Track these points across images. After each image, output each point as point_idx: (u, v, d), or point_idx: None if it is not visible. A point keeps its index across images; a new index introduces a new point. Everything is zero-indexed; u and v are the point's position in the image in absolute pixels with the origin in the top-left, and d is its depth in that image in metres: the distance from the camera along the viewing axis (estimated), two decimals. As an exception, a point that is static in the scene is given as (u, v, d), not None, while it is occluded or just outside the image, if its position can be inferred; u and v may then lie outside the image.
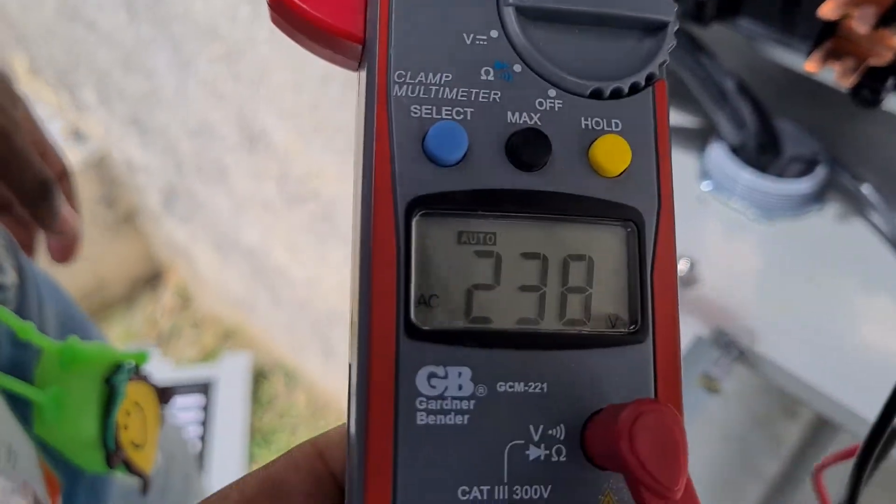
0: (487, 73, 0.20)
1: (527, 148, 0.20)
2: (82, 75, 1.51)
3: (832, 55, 0.51)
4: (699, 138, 0.64)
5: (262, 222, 1.38)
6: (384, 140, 0.19)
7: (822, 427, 0.74)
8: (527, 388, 0.19)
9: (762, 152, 0.60)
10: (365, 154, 0.20)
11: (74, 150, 1.63)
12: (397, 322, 0.19)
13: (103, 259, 1.75)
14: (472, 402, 0.19)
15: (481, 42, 0.20)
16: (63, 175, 0.48)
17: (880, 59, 0.49)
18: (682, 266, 0.54)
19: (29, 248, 0.48)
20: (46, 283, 0.46)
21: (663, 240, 0.20)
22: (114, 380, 0.39)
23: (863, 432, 0.51)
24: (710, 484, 0.88)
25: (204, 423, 1.60)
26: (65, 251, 0.47)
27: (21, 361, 0.40)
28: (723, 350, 0.50)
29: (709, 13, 0.55)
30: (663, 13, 0.21)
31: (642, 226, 0.20)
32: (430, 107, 0.20)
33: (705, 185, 0.61)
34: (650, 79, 0.21)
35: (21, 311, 0.42)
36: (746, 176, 0.59)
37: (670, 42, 0.21)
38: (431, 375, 0.19)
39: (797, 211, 0.60)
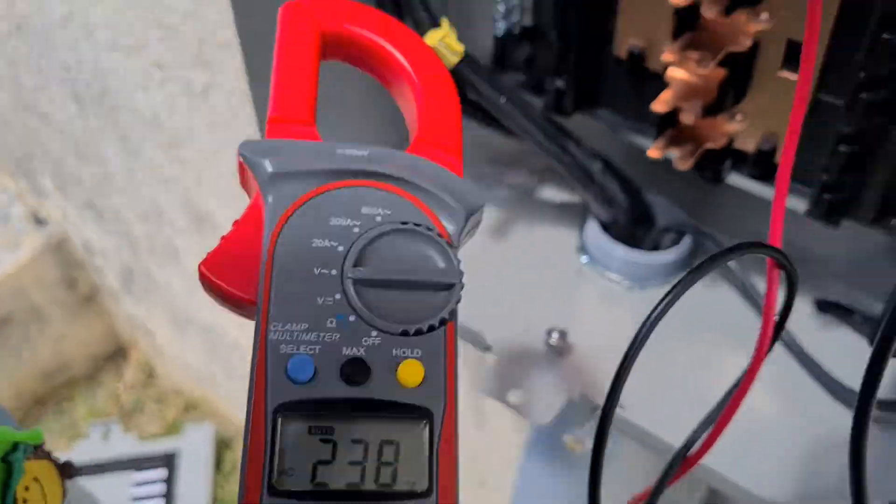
0: (331, 322, 0.30)
1: (353, 371, 0.29)
2: (39, 163, 1.56)
3: (673, 141, 0.57)
4: (578, 214, 0.69)
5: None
6: (262, 366, 0.29)
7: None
8: None
9: (635, 225, 0.65)
10: (254, 375, 0.29)
11: (35, 234, 1.67)
12: (263, 484, 0.27)
13: (66, 339, 1.78)
14: None
15: (329, 302, 0.30)
16: None
17: (716, 143, 0.55)
18: (554, 337, 0.58)
19: None
20: None
21: (447, 429, 0.29)
22: (11, 458, 0.44)
23: (730, 490, 0.54)
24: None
25: (166, 496, 1.61)
26: None
27: None
28: (588, 414, 0.55)
29: (569, 106, 0.61)
30: (451, 278, 0.31)
31: (433, 420, 0.29)
32: (292, 345, 0.29)
33: (583, 259, 0.66)
34: (443, 321, 0.31)
35: None
36: (619, 250, 0.64)
37: (456, 296, 0.31)
38: None
39: (669, 278, 0.65)
